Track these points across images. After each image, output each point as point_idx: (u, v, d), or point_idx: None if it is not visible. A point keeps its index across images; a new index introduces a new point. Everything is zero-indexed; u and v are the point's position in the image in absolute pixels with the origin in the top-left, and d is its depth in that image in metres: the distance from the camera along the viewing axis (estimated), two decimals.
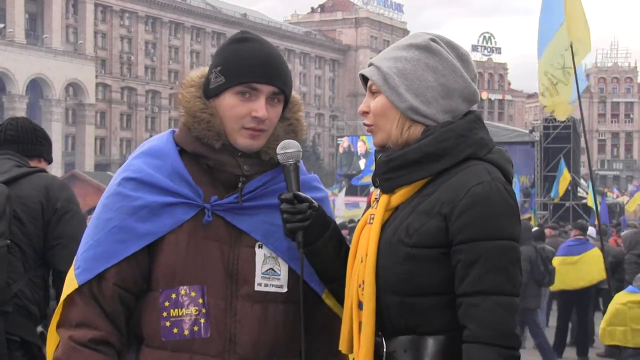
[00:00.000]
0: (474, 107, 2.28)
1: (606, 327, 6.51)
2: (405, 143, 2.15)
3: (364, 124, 2.25)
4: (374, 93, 2.21)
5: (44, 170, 3.78)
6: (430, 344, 2.06)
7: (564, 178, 26.84)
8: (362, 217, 2.27)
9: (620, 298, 6.52)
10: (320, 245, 2.24)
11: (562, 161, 28.70)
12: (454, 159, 2.10)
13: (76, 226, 3.60)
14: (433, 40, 2.19)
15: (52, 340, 2.27)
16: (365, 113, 2.23)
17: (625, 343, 6.34)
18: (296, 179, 2.22)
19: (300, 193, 2.21)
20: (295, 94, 2.39)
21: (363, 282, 2.12)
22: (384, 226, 2.14)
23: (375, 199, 2.24)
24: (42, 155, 3.94)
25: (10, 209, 3.40)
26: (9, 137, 3.82)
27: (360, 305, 2.15)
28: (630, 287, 6.64)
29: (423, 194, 2.11)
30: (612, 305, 6.55)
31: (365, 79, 2.25)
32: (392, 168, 2.14)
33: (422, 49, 2.17)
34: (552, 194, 28.67)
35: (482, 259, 2.00)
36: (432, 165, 2.10)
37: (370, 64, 2.24)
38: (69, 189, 3.75)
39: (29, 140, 3.87)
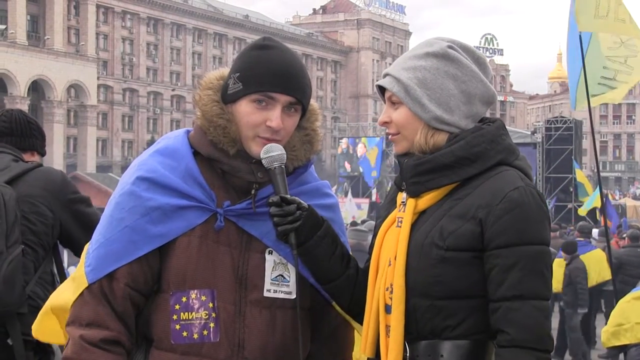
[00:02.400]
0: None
1: (609, 329, 6.49)
2: (432, 150, 2.16)
3: (388, 133, 2.26)
4: (394, 103, 2.21)
5: (41, 165, 3.72)
6: (454, 348, 2.07)
7: (581, 177, 25.98)
8: (386, 220, 2.27)
9: (624, 298, 6.54)
10: (312, 244, 2.24)
11: (575, 162, 28.17)
12: (485, 164, 2.12)
13: (84, 215, 3.60)
14: (450, 47, 2.20)
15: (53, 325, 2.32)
16: (386, 123, 2.24)
17: (631, 340, 6.32)
18: (283, 182, 2.22)
19: (287, 196, 2.20)
20: (313, 102, 2.37)
21: (391, 285, 2.13)
22: (412, 229, 2.15)
23: (402, 202, 2.24)
24: (36, 149, 3.89)
25: (19, 212, 3.36)
26: (3, 129, 3.75)
27: (387, 309, 2.15)
28: (637, 286, 6.67)
29: (454, 198, 2.12)
30: (616, 308, 6.55)
31: (382, 89, 2.24)
32: (421, 172, 2.15)
33: (441, 57, 2.18)
34: (585, 206, 25.35)
35: (521, 263, 2.02)
36: (464, 170, 2.12)
37: (386, 74, 2.23)
38: (68, 180, 3.70)
39: (23, 132, 3.80)
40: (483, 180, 2.10)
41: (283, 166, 2.22)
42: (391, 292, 2.13)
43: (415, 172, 2.16)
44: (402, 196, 2.25)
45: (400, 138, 2.21)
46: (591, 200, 22.94)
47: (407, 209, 2.18)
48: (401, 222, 2.18)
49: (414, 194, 2.17)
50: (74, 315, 2.23)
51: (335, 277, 2.27)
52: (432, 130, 2.17)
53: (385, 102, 2.26)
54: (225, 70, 2.34)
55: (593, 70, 7.54)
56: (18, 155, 3.69)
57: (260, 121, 2.21)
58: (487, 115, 2.28)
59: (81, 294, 2.22)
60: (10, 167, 3.55)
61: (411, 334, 2.12)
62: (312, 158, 2.37)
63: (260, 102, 2.21)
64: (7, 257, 3.23)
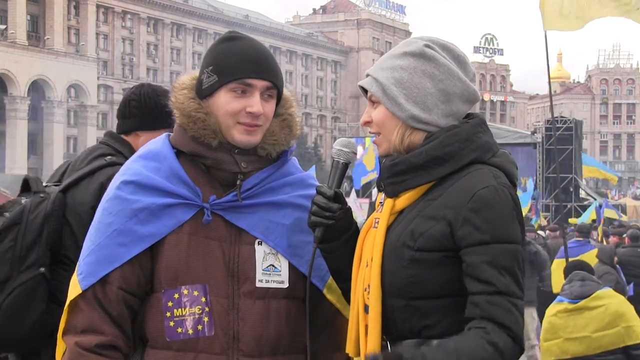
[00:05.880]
0: (474, 107, 2.28)
1: (542, 344, 6.32)
2: (407, 149, 2.17)
3: (371, 133, 2.27)
4: (374, 103, 2.23)
5: (117, 163, 3.12)
6: None
7: (593, 172, 26.01)
8: (366, 221, 2.28)
9: (550, 311, 6.33)
10: (337, 245, 2.27)
11: (585, 156, 27.99)
12: (458, 163, 2.11)
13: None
14: (427, 45, 2.19)
15: (60, 348, 2.26)
16: (367, 123, 2.25)
17: (563, 356, 6.15)
18: (339, 178, 2.27)
19: (340, 193, 2.25)
20: (286, 90, 2.42)
21: (369, 285, 2.14)
22: (388, 230, 2.15)
23: (380, 203, 2.25)
24: (170, 126, 3.05)
25: (48, 231, 2.97)
26: (134, 110, 3.27)
27: (366, 309, 2.16)
28: (558, 297, 6.45)
29: (428, 198, 2.12)
30: (545, 320, 6.37)
31: (365, 90, 2.25)
32: (396, 172, 2.15)
33: (417, 56, 2.18)
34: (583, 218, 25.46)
35: (492, 261, 2.01)
36: (437, 170, 2.11)
37: (368, 75, 2.25)
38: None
39: (152, 114, 3.26)
40: (455, 180, 2.10)
41: (347, 165, 2.29)
42: (369, 292, 2.14)
43: (390, 172, 2.17)
44: (381, 196, 2.27)
45: (381, 139, 2.23)
46: (588, 213, 23.16)
47: (384, 209, 2.19)
48: (378, 222, 2.19)
49: (391, 194, 2.19)
50: (69, 323, 2.23)
51: (350, 278, 2.28)
52: (410, 130, 2.17)
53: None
54: (196, 72, 2.38)
55: None
56: (112, 150, 3.23)
57: (240, 108, 2.24)
58: (487, 113, 2.27)
59: (75, 302, 2.22)
60: (83, 168, 3.15)
61: (392, 334, 2.13)
62: (293, 144, 2.41)
63: (238, 91, 2.25)
64: (13, 283, 2.91)
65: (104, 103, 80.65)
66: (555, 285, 11.90)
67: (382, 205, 2.22)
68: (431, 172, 2.12)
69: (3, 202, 3.20)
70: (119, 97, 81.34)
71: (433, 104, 2.15)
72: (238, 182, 2.29)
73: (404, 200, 2.16)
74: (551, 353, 6.18)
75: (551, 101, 8.39)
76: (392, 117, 2.18)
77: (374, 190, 36.12)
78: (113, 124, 72.52)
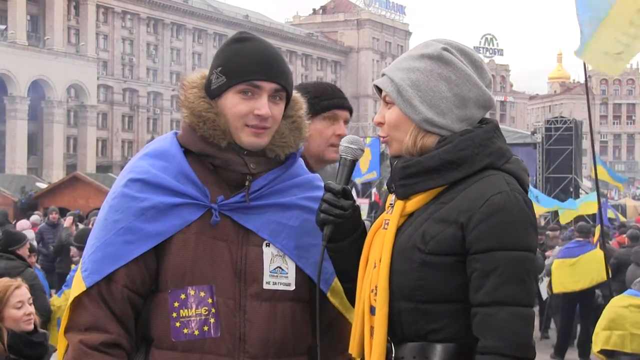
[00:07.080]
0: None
1: (600, 332, 6.31)
2: (420, 152, 2.16)
3: (379, 136, 2.27)
4: (388, 103, 2.21)
5: None
6: (439, 351, 2.06)
7: (603, 173, 25.89)
8: (375, 222, 2.27)
9: (620, 301, 6.32)
10: (346, 245, 2.27)
11: (598, 159, 27.76)
12: (472, 168, 2.10)
13: None
14: (445, 49, 2.18)
15: (62, 345, 2.25)
16: (380, 124, 2.24)
17: (622, 348, 6.14)
18: (347, 175, 2.27)
19: (349, 189, 2.24)
20: (296, 92, 2.41)
21: (376, 287, 2.13)
22: (398, 232, 2.14)
23: (390, 204, 2.24)
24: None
25: None
26: None
27: (372, 310, 2.15)
28: (630, 290, 6.44)
29: (440, 202, 2.11)
30: (610, 309, 6.34)
31: (379, 89, 2.25)
32: (408, 175, 2.14)
33: (435, 59, 2.17)
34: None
35: (499, 269, 2.00)
36: (450, 174, 2.10)
37: (384, 74, 2.24)
38: None
39: None
40: (468, 185, 2.09)
41: (355, 162, 2.28)
42: (376, 294, 2.13)
43: (402, 174, 2.16)
44: (391, 198, 2.26)
45: (390, 140, 2.22)
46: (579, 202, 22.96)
47: (394, 211, 2.18)
48: (387, 224, 2.18)
49: (402, 196, 2.18)
50: (72, 320, 2.23)
51: (356, 278, 2.27)
52: (423, 133, 2.16)
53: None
54: (206, 70, 2.37)
55: (617, 25, 7.05)
56: None
57: (248, 111, 2.23)
58: (487, 113, 2.27)
59: (79, 299, 2.21)
60: None
61: (397, 336, 2.12)
62: (301, 146, 2.40)
63: (246, 93, 2.24)
64: None
65: (104, 103, 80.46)
66: (555, 285, 11.92)
67: (392, 206, 2.21)
68: (444, 176, 2.11)
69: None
70: (119, 97, 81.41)
71: (448, 108, 2.14)
72: (247, 183, 2.28)
73: (414, 202, 2.15)
74: (608, 342, 6.14)
75: None
76: (405, 119, 2.17)
77: (373, 190, 36.17)
78: (113, 124, 71.90)
